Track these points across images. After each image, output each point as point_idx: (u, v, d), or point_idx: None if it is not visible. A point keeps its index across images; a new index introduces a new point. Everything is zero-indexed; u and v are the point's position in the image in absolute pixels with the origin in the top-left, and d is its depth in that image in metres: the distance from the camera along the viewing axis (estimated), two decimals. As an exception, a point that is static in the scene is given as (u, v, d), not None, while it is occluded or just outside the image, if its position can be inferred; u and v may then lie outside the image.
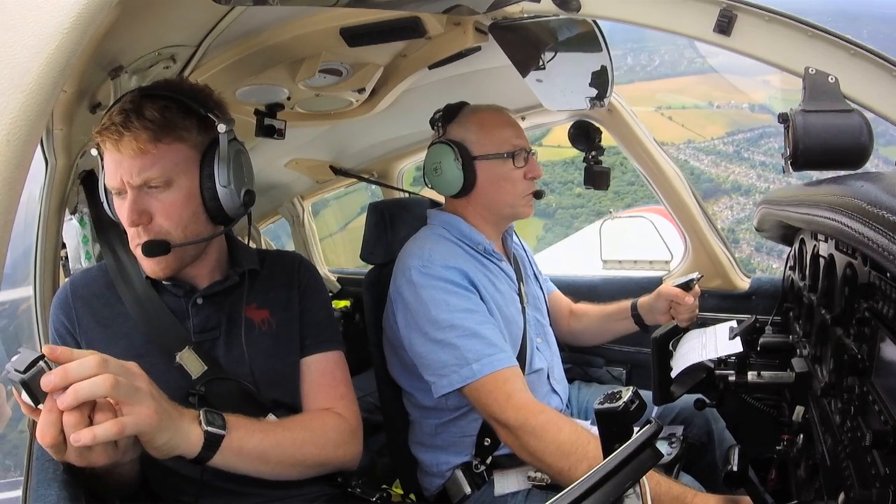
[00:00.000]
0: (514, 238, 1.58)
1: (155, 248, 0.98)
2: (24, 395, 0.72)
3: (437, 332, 1.25)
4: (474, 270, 1.33)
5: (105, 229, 1.15)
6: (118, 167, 0.96)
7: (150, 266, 1.02)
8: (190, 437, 0.86)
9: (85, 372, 0.72)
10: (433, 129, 1.47)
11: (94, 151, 1.00)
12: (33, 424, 0.91)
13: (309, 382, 1.13)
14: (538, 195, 1.47)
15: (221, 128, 1.00)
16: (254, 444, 0.94)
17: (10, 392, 0.76)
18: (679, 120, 16.28)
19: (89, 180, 1.25)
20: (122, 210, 0.99)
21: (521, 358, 1.37)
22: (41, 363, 0.72)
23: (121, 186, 0.97)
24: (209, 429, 0.88)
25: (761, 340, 1.22)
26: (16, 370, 0.71)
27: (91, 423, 0.74)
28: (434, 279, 1.28)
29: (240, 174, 1.04)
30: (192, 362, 1.02)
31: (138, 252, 1.00)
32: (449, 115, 1.44)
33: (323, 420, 1.09)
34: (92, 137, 0.98)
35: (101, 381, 0.73)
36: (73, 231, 1.32)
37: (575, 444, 1.11)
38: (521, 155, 1.41)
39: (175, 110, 0.98)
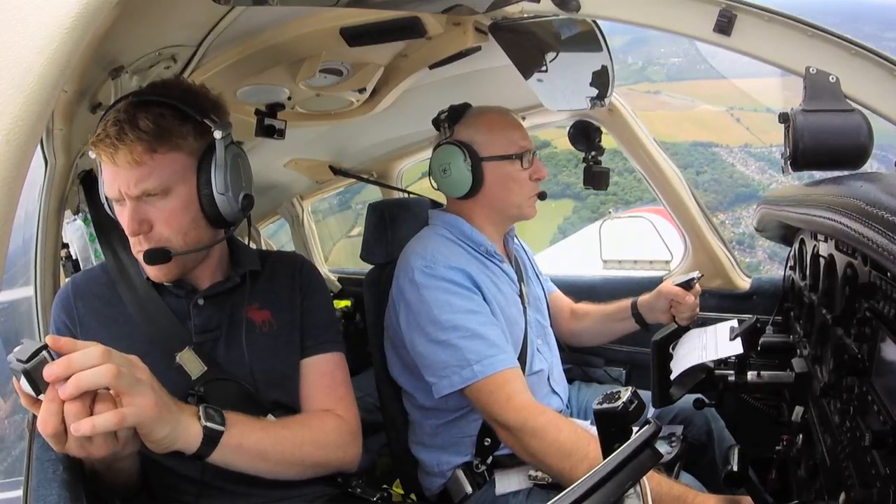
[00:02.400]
0: (515, 239, 1.59)
1: (156, 256, 0.98)
2: (26, 386, 0.73)
3: (438, 333, 1.25)
4: (477, 271, 1.33)
5: (106, 230, 1.15)
6: (115, 178, 0.96)
7: (153, 272, 1.03)
8: (189, 431, 0.86)
9: (88, 362, 0.73)
10: (438, 129, 1.46)
11: (92, 154, 1.00)
12: (33, 425, 0.91)
13: (309, 384, 1.13)
14: (541, 196, 1.47)
15: (217, 134, 0.99)
16: (253, 442, 0.94)
17: (8, 392, 0.76)
18: (746, 122, 15.77)
19: (89, 180, 1.25)
20: (122, 218, 0.99)
21: (522, 359, 1.37)
22: (44, 353, 0.72)
23: (119, 196, 0.97)
24: (209, 424, 0.88)
25: (761, 340, 1.22)
26: (18, 360, 0.71)
27: (92, 414, 0.74)
28: (437, 279, 1.28)
29: (237, 179, 1.03)
30: (191, 363, 1.02)
31: (141, 258, 1.01)
32: (455, 115, 1.44)
33: (323, 420, 1.09)
34: (88, 146, 0.98)
35: (104, 371, 0.73)
36: (79, 231, 1.32)
37: (575, 444, 1.11)
38: (527, 156, 1.41)
39: (170, 117, 0.97)
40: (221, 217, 1.02)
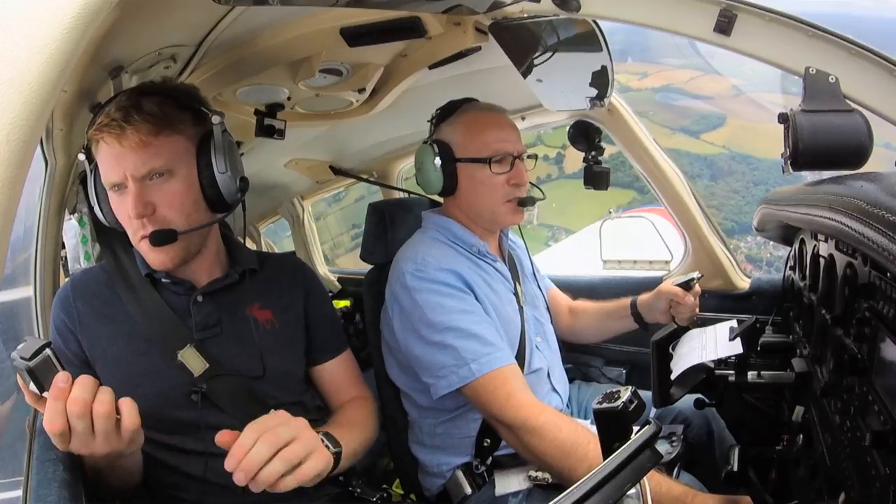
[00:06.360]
0: (510, 237, 1.58)
1: (162, 236, 0.99)
2: (30, 384, 0.73)
3: (433, 335, 1.25)
4: (468, 272, 1.33)
5: (105, 229, 1.15)
6: (119, 161, 0.97)
7: (158, 257, 1.03)
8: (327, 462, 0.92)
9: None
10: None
11: (81, 156, 1.02)
12: (33, 424, 0.91)
13: (331, 384, 1.24)
14: (523, 202, 1.41)
15: (216, 119, 1.04)
16: (352, 448, 1.05)
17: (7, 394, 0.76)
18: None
19: (89, 180, 1.25)
20: (123, 204, 1.00)
21: (520, 357, 1.37)
22: (47, 351, 0.72)
23: (123, 180, 0.98)
24: (335, 449, 0.95)
25: (761, 340, 1.22)
26: (21, 358, 0.71)
27: (92, 412, 0.74)
28: (428, 282, 1.28)
29: (234, 162, 1.07)
30: (193, 360, 1.03)
31: (144, 245, 1.01)
32: (444, 114, 1.45)
33: (360, 410, 1.20)
34: (90, 137, 0.99)
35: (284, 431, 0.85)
36: (73, 231, 1.32)
37: (575, 444, 1.11)
38: (504, 160, 1.38)
39: (171, 105, 1.01)
40: (221, 198, 1.05)
